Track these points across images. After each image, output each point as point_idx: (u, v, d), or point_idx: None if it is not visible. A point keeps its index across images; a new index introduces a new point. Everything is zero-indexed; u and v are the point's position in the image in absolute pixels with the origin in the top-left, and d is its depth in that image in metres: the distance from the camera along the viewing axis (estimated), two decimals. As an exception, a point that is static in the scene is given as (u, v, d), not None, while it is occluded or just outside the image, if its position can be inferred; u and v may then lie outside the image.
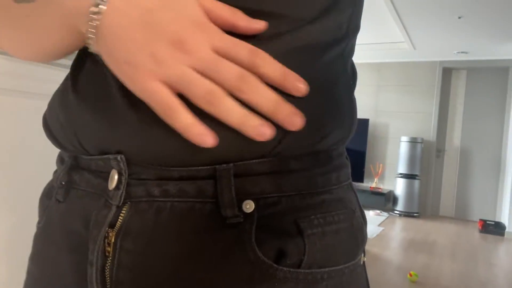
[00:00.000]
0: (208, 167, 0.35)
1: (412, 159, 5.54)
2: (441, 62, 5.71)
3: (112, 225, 0.36)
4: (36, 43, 0.38)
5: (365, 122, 5.83)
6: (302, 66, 0.35)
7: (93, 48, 0.33)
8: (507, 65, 5.36)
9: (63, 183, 0.42)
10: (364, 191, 5.55)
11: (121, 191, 0.36)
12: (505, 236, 4.82)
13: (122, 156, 0.36)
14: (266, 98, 0.31)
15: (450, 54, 5.41)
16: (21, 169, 0.99)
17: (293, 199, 0.36)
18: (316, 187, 0.37)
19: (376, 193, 5.55)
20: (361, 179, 5.81)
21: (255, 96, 0.31)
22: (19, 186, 0.98)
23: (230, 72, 0.30)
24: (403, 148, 5.60)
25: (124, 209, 0.36)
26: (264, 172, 0.35)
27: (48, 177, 0.52)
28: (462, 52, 5.28)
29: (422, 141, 5.64)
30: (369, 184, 5.90)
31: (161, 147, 0.34)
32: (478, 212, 5.59)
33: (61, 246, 0.42)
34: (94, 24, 0.31)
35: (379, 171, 5.77)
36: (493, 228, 4.89)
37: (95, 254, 0.37)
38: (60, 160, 0.45)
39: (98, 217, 0.37)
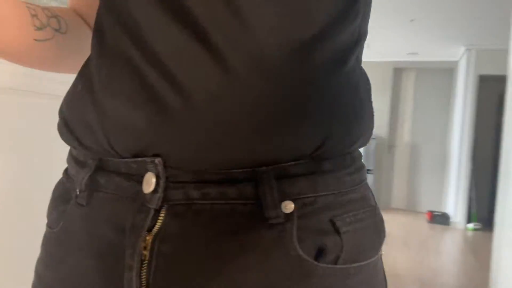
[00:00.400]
0: (248, 169, 0.36)
1: (366, 155, 5.79)
2: (393, 62, 6.01)
3: (149, 229, 0.36)
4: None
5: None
6: (334, 71, 0.37)
7: None
8: (452, 66, 5.75)
9: (87, 186, 0.41)
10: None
11: (159, 194, 0.36)
12: (450, 225, 5.19)
13: (160, 159, 0.36)
14: None
15: (401, 55, 5.70)
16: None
17: (327, 198, 0.38)
18: (344, 186, 0.40)
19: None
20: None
21: None
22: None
23: None
24: (358, 144, 5.81)
25: (162, 212, 0.36)
26: (301, 174, 0.37)
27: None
28: (412, 53, 5.59)
29: (376, 137, 5.92)
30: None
31: (202, 151, 0.35)
32: (427, 204, 5.96)
33: (83, 251, 0.40)
34: None
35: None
36: (439, 219, 5.24)
37: (135, 258, 0.36)
38: (78, 163, 0.43)
39: (135, 221, 0.37)
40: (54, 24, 0.48)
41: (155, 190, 0.36)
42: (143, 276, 0.36)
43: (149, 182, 0.36)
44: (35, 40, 0.44)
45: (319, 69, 0.36)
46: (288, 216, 0.36)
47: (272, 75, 0.34)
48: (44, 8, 0.48)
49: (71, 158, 0.45)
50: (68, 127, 0.42)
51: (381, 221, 0.43)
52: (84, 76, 0.41)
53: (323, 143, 0.37)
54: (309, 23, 0.35)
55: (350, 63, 0.39)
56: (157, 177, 0.36)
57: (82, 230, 0.41)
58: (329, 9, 0.36)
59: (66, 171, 0.47)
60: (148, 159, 0.36)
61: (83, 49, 0.49)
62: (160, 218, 0.36)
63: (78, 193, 0.41)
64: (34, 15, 0.45)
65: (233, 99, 0.34)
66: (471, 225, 5.05)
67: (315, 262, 0.36)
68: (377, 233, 0.42)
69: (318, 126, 0.37)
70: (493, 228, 2.40)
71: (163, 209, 0.36)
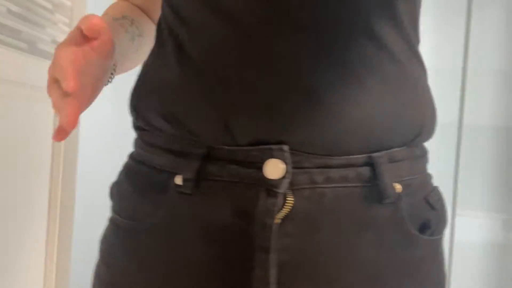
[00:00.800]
0: (365, 155, 0.40)
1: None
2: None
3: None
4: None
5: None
6: (415, 67, 0.44)
7: None
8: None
9: (194, 175, 0.41)
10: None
11: (287, 180, 0.38)
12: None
13: (287, 146, 0.38)
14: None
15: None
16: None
17: (418, 180, 0.44)
18: (424, 170, 0.46)
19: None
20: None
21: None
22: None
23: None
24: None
25: (290, 196, 0.39)
26: (403, 159, 0.42)
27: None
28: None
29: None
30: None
31: (327, 139, 0.39)
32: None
33: (197, 238, 0.41)
34: None
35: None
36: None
37: (272, 240, 0.38)
38: (173, 152, 0.43)
39: (267, 205, 0.38)
40: (135, 31, 0.52)
41: (284, 176, 0.38)
42: (271, 256, 0.39)
43: (277, 169, 0.38)
44: (134, 53, 0.52)
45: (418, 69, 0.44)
46: (398, 196, 0.41)
47: (391, 82, 0.41)
48: (124, 18, 0.51)
49: (157, 148, 0.44)
50: (174, 118, 0.42)
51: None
52: (185, 64, 0.42)
53: (420, 132, 0.43)
54: None
55: (417, 54, 0.46)
56: (285, 164, 0.38)
57: (193, 218, 0.41)
58: None
59: (141, 161, 0.46)
60: (274, 147, 0.38)
61: (151, 44, 0.50)
62: (288, 201, 0.39)
63: (181, 182, 0.41)
64: (127, 32, 0.50)
65: (357, 98, 0.39)
66: None
67: (420, 235, 0.42)
68: (446, 208, 0.48)
69: (419, 117, 0.43)
70: None
71: (289, 193, 0.39)
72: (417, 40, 0.46)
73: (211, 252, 0.40)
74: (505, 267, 1.57)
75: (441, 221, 0.45)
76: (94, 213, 1.38)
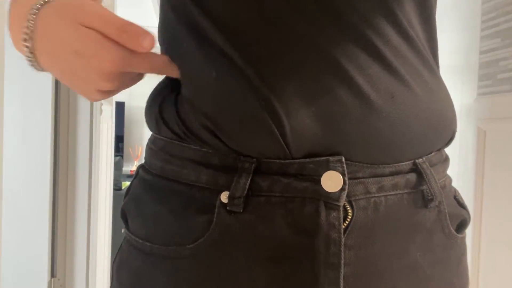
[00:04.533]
0: (410, 161, 0.41)
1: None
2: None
3: None
4: None
5: (121, 105, 5.12)
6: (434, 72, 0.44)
7: None
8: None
9: (244, 192, 0.37)
10: (128, 176, 4.80)
11: (345, 191, 0.37)
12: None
13: (343, 157, 0.37)
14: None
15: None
16: None
17: (447, 181, 0.46)
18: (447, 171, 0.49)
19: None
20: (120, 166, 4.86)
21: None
22: None
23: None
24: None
25: (349, 208, 0.38)
26: (438, 162, 0.44)
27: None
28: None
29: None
30: (129, 168, 5.28)
31: (379, 146, 0.38)
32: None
33: (250, 259, 0.38)
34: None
35: (139, 154, 5.38)
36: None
37: (342, 256, 0.37)
38: (213, 166, 0.39)
39: (330, 220, 0.37)
40: None
41: (342, 188, 0.37)
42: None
43: (335, 181, 0.37)
44: None
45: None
46: (441, 198, 0.43)
47: (431, 88, 0.41)
48: None
49: (189, 161, 0.40)
50: (218, 127, 0.38)
51: None
52: (222, 65, 0.38)
53: (452, 137, 0.45)
54: None
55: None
56: (343, 175, 0.37)
57: (247, 238, 0.38)
58: None
59: (167, 177, 0.41)
60: (332, 158, 0.37)
61: None
62: (349, 214, 0.38)
63: (226, 200, 0.38)
64: None
65: (408, 108, 0.39)
66: None
67: (458, 235, 0.45)
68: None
69: (453, 122, 0.45)
70: None
71: (347, 205, 0.38)
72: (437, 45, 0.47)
73: (271, 274, 0.38)
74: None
75: (470, 218, 0.48)
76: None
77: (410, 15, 0.40)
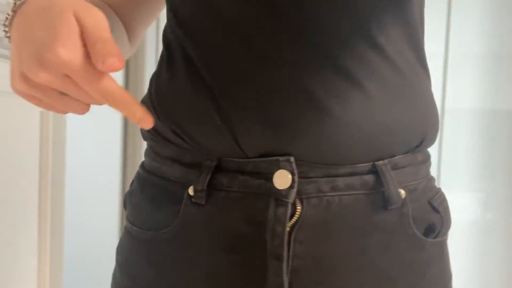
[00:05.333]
0: (369, 163, 0.41)
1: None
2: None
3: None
4: None
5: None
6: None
7: None
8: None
9: (206, 186, 0.42)
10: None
11: (295, 189, 0.39)
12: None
13: (293, 158, 0.39)
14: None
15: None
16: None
17: (421, 184, 0.45)
18: (427, 174, 0.48)
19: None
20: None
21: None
22: None
23: None
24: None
25: (298, 205, 0.40)
26: (406, 165, 0.44)
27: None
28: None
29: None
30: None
31: (332, 148, 0.39)
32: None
33: (213, 248, 0.42)
34: None
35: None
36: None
37: (284, 248, 0.40)
38: (183, 163, 0.44)
39: (278, 215, 0.40)
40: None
41: (291, 186, 0.39)
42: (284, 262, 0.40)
43: (284, 179, 0.39)
44: None
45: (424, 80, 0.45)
46: (403, 201, 0.42)
47: (394, 91, 0.42)
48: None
49: (167, 159, 0.45)
50: (185, 131, 0.43)
51: (447, 201, 0.51)
52: (194, 74, 0.42)
53: (422, 140, 0.44)
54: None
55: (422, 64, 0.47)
56: (292, 174, 0.39)
57: (208, 228, 0.42)
58: None
59: (153, 172, 0.47)
60: (281, 158, 0.39)
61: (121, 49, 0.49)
62: (297, 210, 0.40)
63: (192, 193, 0.42)
64: None
65: (360, 110, 0.40)
66: None
67: (425, 238, 0.44)
68: (449, 210, 0.50)
69: (422, 125, 0.44)
70: None
71: (298, 202, 0.40)
72: (422, 46, 0.46)
73: (228, 261, 0.42)
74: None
75: (445, 224, 0.46)
76: (84, 210, 1.38)
77: (377, 12, 0.40)
